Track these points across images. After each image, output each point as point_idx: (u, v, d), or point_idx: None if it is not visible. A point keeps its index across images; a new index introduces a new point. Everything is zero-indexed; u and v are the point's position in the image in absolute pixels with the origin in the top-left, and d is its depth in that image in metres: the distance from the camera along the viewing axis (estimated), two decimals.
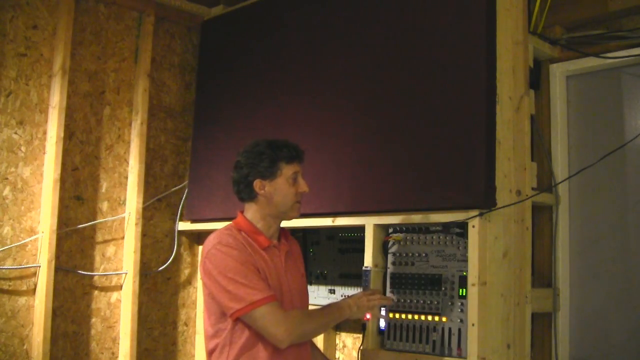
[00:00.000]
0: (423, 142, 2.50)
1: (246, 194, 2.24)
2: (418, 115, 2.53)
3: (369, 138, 2.69)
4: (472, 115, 2.36)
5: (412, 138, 2.53)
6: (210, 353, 2.18)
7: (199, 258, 3.45)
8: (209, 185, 3.35)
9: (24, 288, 3.04)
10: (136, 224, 3.37)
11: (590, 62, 2.68)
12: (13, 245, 3.02)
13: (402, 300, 2.53)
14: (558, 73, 2.78)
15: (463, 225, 2.37)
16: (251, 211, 2.25)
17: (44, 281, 3.02)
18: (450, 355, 2.35)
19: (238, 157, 2.26)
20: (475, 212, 2.29)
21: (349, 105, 2.79)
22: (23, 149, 3.09)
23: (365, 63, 2.76)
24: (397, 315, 2.53)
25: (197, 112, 3.61)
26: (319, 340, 3.39)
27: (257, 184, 2.21)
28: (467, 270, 2.32)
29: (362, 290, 2.54)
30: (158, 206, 3.56)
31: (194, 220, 3.47)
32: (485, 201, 2.30)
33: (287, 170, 2.22)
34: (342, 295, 3.06)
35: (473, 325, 2.26)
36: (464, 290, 2.35)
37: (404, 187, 2.52)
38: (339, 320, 2.29)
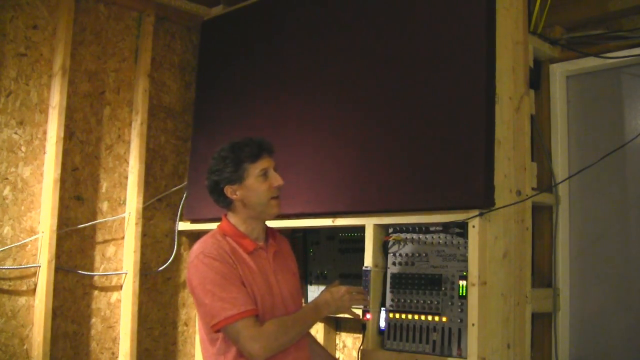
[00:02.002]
0: (422, 141, 2.50)
1: (222, 202, 2.21)
2: (417, 115, 2.53)
3: (368, 137, 2.69)
4: (471, 115, 2.36)
5: (412, 137, 2.53)
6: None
7: None
8: None
9: (24, 288, 3.04)
10: (136, 224, 3.37)
11: (590, 62, 2.68)
12: (13, 245, 3.01)
13: (402, 300, 2.53)
14: (558, 73, 2.78)
15: (463, 225, 2.37)
16: (233, 216, 2.23)
17: (44, 281, 3.02)
18: (450, 355, 2.35)
19: (209, 165, 2.22)
20: (475, 212, 2.29)
21: (348, 105, 2.79)
22: (23, 149, 3.09)
23: (365, 62, 2.76)
24: (397, 315, 2.53)
25: (196, 112, 3.61)
26: (320, 341, 3.40)
27: (227, 190, 2.17)
28: (467, 270, 2.32)
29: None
30: (158, 206, 3.57)
31: (193, 221, 3.47)
32: (485, 201, 2.30)
33: (254, 170, 2.17)
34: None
35: (473, 325, 2.26)
36: (464, 290, 2.35)
37: (403, 186, 2.52)
38: (318, 320, 2.27)
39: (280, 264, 2.28)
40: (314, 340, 2.53)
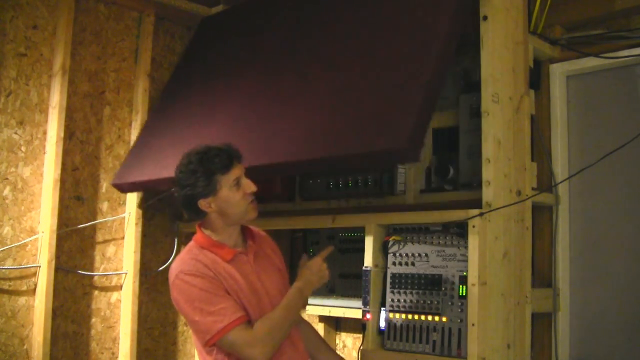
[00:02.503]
0: (359, 93, 2.46)
1: (196, 215, 2.16)
2: (364, 64, 2.53)
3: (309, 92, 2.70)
4: (412, 70, 2.30)
5: (350, 89, 2.50)
6: None
7: None
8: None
9: (24, 288, 3.04)
10: (136, 224, 3.37)
11: (590, 62, 2.68)
12: (13, 245, 3.02)
13: (402, 300, 2.53)
14: (558, 73, 2.78)
15: (463, 225, 2.37)
16: (209, 226, 2.18)
17: (44, 281, 3.02)
18: (450, 355, 2.35)
19: (176, 177, 2.15)
20: (475, 212, 2.29)
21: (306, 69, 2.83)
22: (23, 149, 3.09)
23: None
24: (397, 315, 2.53)
25: (161, 100, 3.57)
26: None
27: (202, 204, 2.11)
28: (467, 270, 2.32)
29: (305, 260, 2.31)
30: (158, 206, 3.56)
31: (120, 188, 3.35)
32: (408, 151, 2.16)
33: (227, 181, 2.11)
34: (342, 295, 3.06)
35: (473, 325, 2.26)
36: (464, 290, 2.35)
37: (331, 133, 2.47)
38: (305, 301, 2.22)
39: (263, 264, 2.24)
40: (320, 338, 2.52)
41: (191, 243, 2.19)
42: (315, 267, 2.21)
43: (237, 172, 2.14)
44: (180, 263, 2.12)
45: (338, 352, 3.39)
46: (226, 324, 2.01)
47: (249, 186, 2.16)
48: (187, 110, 3.25)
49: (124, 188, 3.27)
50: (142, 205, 3.42)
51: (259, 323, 2.06)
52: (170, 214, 2.20)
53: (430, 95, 2.25)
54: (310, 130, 2.54)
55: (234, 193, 2.12)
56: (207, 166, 2.09)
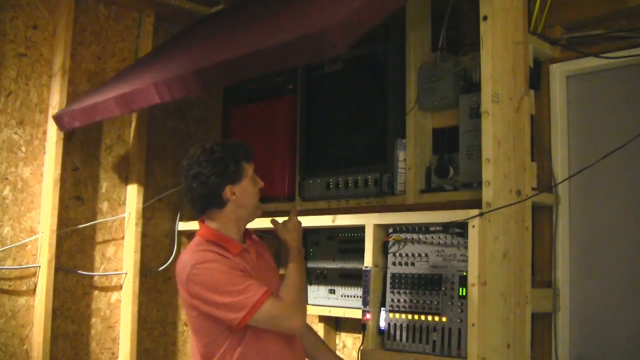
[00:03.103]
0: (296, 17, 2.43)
1: (216, 204, 2.18)
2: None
3: None
4: None
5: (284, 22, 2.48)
6: None
7: None
8: None
9: (24, 288, 3.04)
10: (136, 224, 3.37)
11: (590, 62, 2.68)
12: (13, 245, 3.02)
13: (402, 300, 2.54)
14: (558, 73, 2.77)
15: (463, 225, 2.37)
16: (219, 219, 2.20)
17: (44, 281, 3.02)
18: (450, 355, 2.35)
19: (195, 169, 2.15)
20: (475, 212, 2.29)
21: None
22: (23, 149, 3.09)
23: None
24: (397, 315, 2.53)
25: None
26: None
27: (227, 191, 2.15)
28: (467, 270, 2.32)
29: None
30: (158, 206, 3.57)
31: None
32: (331, 36, 1.99)
33: (249, 170, 2.20)
34: (342, 296, 3.06)
35: (473, 325, 2.26)
36: (464, 290, 2.35)
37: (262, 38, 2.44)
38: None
39: (262, 263, 2.29)
40: (319, 339, 2.55)
41: (197, 238, 2.21)
42: (293, 224, 2.31)
43: (253, 165, 2.22)
44: (191, 256, 2.13)
45: (338, 352, 3.39)
46: (259, 297, 2.03)
47: (260, 181, 2.25)
48: (147, 62, 3.30)
49: (63, 121, 3.10)
50: (142, 205, 3.43)
51: (284, 294, 2.10)
52: (196, 209, 2.24)
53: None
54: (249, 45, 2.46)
55: (252, 185, 2.21)
56: (234, 153, 2.17)
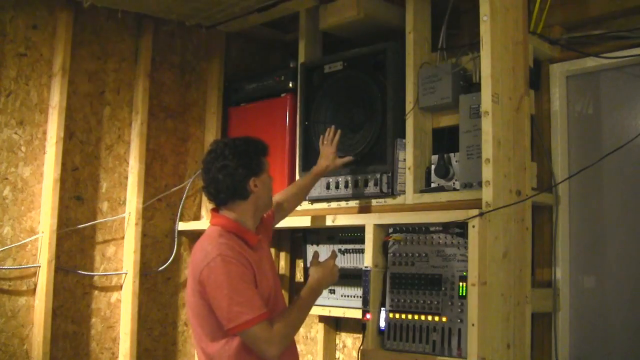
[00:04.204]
0: None
1: (240, 195, 2.24)
2: None
3: None
4: None
5: None
6: (206, 357, 2.19)
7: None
8: None
9: (24, 288, 3.04)
10: (136, 224, 3.37)
11: (590, 62, 2.68)
12: (13, 245, 3.02)
13: (402, 300, 2.54)
14: (558, 73, 2.77)
15: (463, 225, 2.37)
16: (239, 211, 2.26)
17: (44, 281, 3.02)
18: (450, 355, 2.35)
19: (221, 162, 2.22)
20: (475, 212, 2.29)
21: None
22: (23, 149, 3.09)
23: None
24: (397, 315, 2.53)
25: None
26: (320, 341, 3.40)
27: (251, 183, 2.24)
28: (467, 270, 2.32)
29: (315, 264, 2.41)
30: (158, 206, 3.56)
31: None
32: None
33: (267, 164, 2.31)
34: (342, 296, 3.06)
35: (473, 325, 2.26)
36: (464, 290, 2.35)
37: None
38: (316, 300, 2.32)
39: (269, 254, 2.41)
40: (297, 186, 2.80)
41: (216, 228, 2.23)
42: (328, 268, 2.31)
43: (268, 161, 2.34)
44: (217, 247, 2.14)
45: (338, 352, 3.40)
46: (251, 317, 2.06)
47: (271, 177, 2.35)
48: None
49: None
50: (142, 205, 3.43)
51: (278, 323, 2.12)
52: (218, 201, 2.29)
53: None
54: None
55: (269, 179, 2.31)
56: (255, 147, 2.28)
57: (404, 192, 2.75)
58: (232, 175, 2.21)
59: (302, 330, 3.56)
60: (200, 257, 2.16)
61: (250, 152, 2.25)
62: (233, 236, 2.19)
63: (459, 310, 2.36)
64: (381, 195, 2.79)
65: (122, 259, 3.39)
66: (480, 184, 2.36)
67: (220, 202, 2.28)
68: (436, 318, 2.42)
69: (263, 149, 2.31)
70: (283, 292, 2.84)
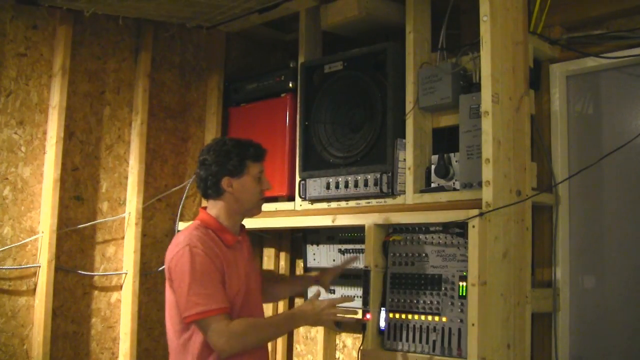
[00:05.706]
0: None
1: (213, 191, 2.30)
2: None
3: None
4: None
5: None
6: (174, 351, 2.23)
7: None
8: None
9: (24, 288, 3.04)
10: (136, 224, 3.37)
11: (590, 62, 2.68)
12: (13, 245, 3.02)
13: (402, 300, 2.54)
14: (558, 73, 2.78)
15: (463, 225, 2.37)
16: (217, 208, 2.32)
17: (44, 281, 3.02)
18: (450, 355, 2.35)
19: (203, 156, 2.33)
20: (475, 212, 2.29)
21: None
22: (23, 149, 3.09)
23: None
24: (397, 315, 2.53)
25: None
26: (319, 341, 3.40)
27: (225, 181, 2.28)
28: (467, 270, 2.32)
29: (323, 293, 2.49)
30: (158, 206, 3.56)
31: None
32: None
33: (254, 169, 2.32)
34: (342, 296, 3.06)
35: (473, 325, 2.26)
36: (464, 290, 2.35)
37: None
38: (291, 329, 2.34)
39: (250, 258, 2.41)
40: (278, 284, 2.79)
41: (196, 222, 2.31)
42: (319, 307, 2.25)
43: (262, 166, 2.35)
44: (189, 238, 2.20)
45: (338, 352, 3.40)
46: (207, 309, 2.09)
47: (267, 184, 2.37)
48: None
49: None
50: (142, 205, 3.43)
51: (240, 320, 2.16)
52: (200, 194, 2.47)
53: None
54: None
55: (254, 184, 2.32)
56: (241, 150, 2.31)
57: (404, 192, 2.75)
58: (207, 170, 2.30)
59: (302, 330, 3.56)
60: (172, 246, 2.24)
61: (231, 153, 2.29)
62: (209, 231, 2.25)
63: (459, 310, 2.36)
64: (381, 195, 2.79)
65: (122, 259, 3.39)
66: (480, 184, 2.36)
67: (201, 195, 2.40)
68: (436, 318, 2.42)
69: (254, 153, 2.33)
70: None
